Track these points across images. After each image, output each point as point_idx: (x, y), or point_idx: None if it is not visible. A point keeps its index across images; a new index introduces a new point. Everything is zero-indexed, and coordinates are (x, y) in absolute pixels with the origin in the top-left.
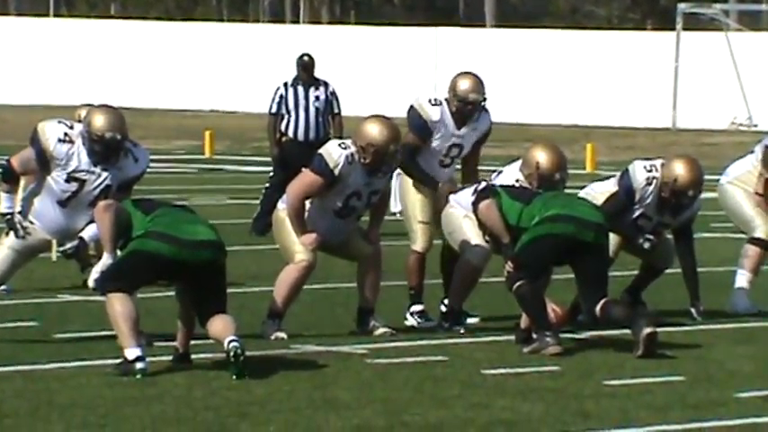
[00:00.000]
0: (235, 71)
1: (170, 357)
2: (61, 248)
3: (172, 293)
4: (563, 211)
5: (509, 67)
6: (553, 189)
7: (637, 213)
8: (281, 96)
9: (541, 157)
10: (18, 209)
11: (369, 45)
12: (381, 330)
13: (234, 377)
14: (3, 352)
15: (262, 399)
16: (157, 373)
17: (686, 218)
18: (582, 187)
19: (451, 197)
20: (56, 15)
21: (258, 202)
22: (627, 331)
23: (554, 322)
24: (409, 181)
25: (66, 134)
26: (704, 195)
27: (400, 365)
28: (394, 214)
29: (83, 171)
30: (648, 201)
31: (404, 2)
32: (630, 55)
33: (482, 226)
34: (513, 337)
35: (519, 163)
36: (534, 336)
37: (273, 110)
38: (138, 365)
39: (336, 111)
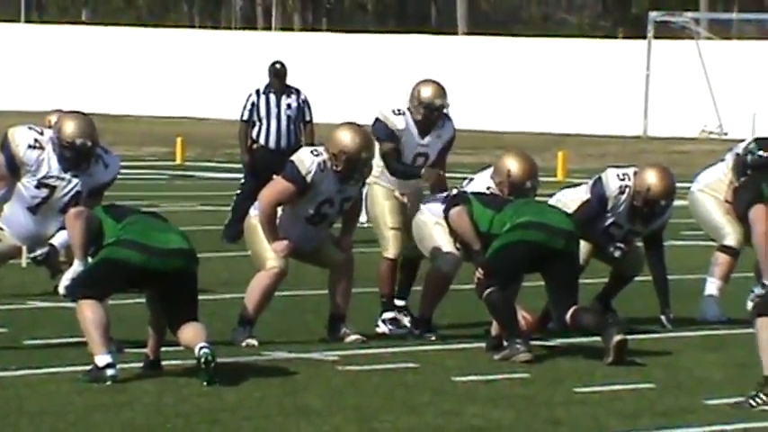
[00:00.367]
0: (207, 78)
1: (140, 364)
2: (31, 255)
3: (142, 300)
4: (534, 218)
5: (481, 74)
6: (524, 197)
7: (608, 221)
8: (252, 104)
9: (513, 165)
10: None
11: (341, 52)
12: (352, 337)
13: (204, 384)
14: None
15: (232, 405)
16: (128, 379)
17: (657, 226)
18: (553, 195)
19: (423, 205)
20: (27, 21)
21: (229, 209)
22: (597, 339)
23: (524, 329)
24: (378, 190)
25: (36, 140)
26: (675, 203)
27: (371, 372)
28: (362, 224)
29: (53, 177)
30: (620, 209)
31: (376, 9)
32: (602, 63)
33: (453, 233)
34: (483, 345)
35: (490, 170)
36: (505, 343)
37: (245, 117)
38: (109, 372)
39: (308, 118)
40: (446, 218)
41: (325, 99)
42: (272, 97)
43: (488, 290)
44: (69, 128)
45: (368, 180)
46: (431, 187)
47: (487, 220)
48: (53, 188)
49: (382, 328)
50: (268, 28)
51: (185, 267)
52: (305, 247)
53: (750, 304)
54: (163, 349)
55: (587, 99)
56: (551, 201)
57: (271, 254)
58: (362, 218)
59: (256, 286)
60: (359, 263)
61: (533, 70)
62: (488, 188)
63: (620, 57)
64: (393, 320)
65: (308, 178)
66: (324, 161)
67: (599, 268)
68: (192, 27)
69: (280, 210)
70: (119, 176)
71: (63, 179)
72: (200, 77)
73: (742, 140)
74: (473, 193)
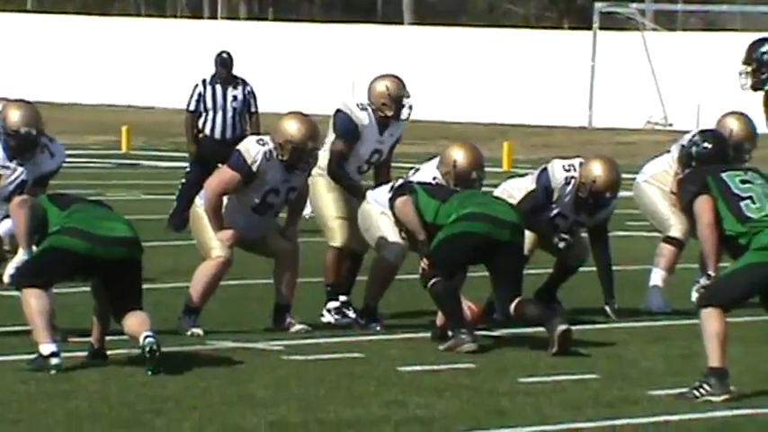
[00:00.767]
0: (152, 66)
1: (85, 353)
2: None
3: (87, 289)
4: (479, 209)
5: (427, 64)
6: (470, 187)
7: (553, 212)
8: (199, 94)
9: (459, 155)
10: None
11: (286, 42)
12: (297, 327)
13: (149, 373)
14: None
15: (177, 395)
16: (72, 368)
17: (602, 217)
18: (499, 185)
19: (368, 193)
20: None
21: (174, 197)
22: (542, 329)
23: (470, 320)
24: (320, 182)
25: None
26: (620, 194)
27: (316, 362)
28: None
29: None
30: (566, 200)
31: None
32: (547, 54)
33: (399, 223)
34: (428, 335)
35: (436, 161)
36: (450, 333)
37: (192, 107)
38: (53, 361)
39: (254, 110)
40: (391, 207)
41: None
42: (219, 88)
43: (433, 280)
44: (14, 116)
45: (312, 172)
46: (375, 178)
47: (433, 210)
48: None
49: (327, 318)
50: (214, 17)
51: (130, 256)
52: (250, 236)
53: (695, 295)
54: (107, 338)
55: (533, 89)
56: (497, 190)
57: (216, 243)
58: (307, 210)
59: (202, 275)
60: (304, 253)
61: (479, 61)
62: (434, 178)
63: (566, 47)
64: (338, 310)
65: (254, 167)
66: (270, 150)
67: (543, 259)
68: (138, 15)
69: (225, 199)
70: (64, 165)
71: (8, 168)
72: (145, 66)
73: (687, 132)
74: (419, 183)
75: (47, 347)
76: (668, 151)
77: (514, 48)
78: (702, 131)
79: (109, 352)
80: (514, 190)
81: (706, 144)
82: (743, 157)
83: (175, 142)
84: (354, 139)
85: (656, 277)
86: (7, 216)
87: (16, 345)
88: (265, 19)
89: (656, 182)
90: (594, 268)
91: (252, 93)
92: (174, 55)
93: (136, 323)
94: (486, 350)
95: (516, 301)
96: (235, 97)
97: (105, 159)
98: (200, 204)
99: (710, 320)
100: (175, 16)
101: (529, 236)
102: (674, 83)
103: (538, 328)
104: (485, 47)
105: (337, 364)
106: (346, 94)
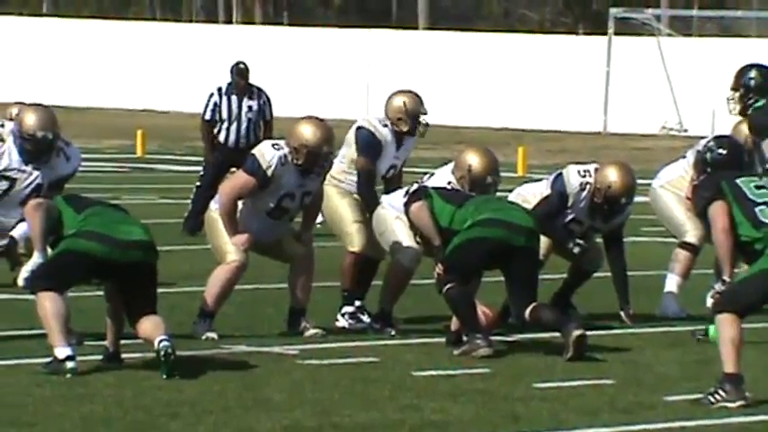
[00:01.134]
0: (167, 71)
1: (100, 356)
2: None
3: (102, 292)
4: (495, 215)
5: (441, 69)
6: (485, 192)
7: (568, 217)
8: (215, 104)
9: (474, 160)
10: None
11: (302, 46)
12: (312, 331)
13: (164, 377)
14: None
15: (192, 399)
16: (87, 372)
17: (617, 223)
18: (513, 190)
19: (383, 198)
20: None
21: (190, 201)
22: (557, 334)
23: (485, 324)
24: (332, 190)
25: None
26: (635, 200)
27: (331, 367)
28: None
29: (14, 170)
30: (581, 205)
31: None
32: (562, 59)
33: (414, 227)
34: (443, 340)
35: (451, 165)
36: (465, 338)
37: (207, 117)
38: (68, 364)
39: (268, 118)
40: (407, 212)
41: (287, 93)
42: (234, 99)
43: (448, 285)
44: (30, 120)
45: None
46: (386, 184)
47: (448, 215)
48: (14, 180)
49: (342, 323)
50: (229, 21)
51: (145, 259)
52: (265, 240)
53: (710, 301)
54: (122, 342)
55: (548, 95)
56: (511, 195)
57: (231, 247)
58: (320, 218)
59: (217, 279)
60: (319, 257)
61: (494, 66)
62: (449, 183)
63: (581, 53)
64: (353, 315)
65: (269, 172)
66: (285, 155)
67: (559, 264)
68: (153, 20)
69: (240, 203)
70: (80, 169)
71: (24, 172)
72: (161, 70)
73: (702, 137)
74: (434, 189)
75: (62, 351)
76: (684, 157)
77: (529, 53)
78: (717, 137)
79: (124, 356)
80: (529, 195)
81: (721, 150)
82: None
83: (191, 146)
84: (378, 154)
85: (672, 283)
86: (23, 219)
87: (32, 348)
88: (280, 23)
89: (671, 187)
90: (609, 274)
91: (267, 101)
92: (190, 59)
93: (151, 327)
94: (501, 355)
95: (531, 306)
96: (250, 108)
97: (121, 163)
98: (215, 209)
99: (726, 326)
100: (191, 20)
101: (544, 241)
102: (690, 88)
103: (553, 333)
104: (500, 52)
105: (352, 368)
106: (361, 99)
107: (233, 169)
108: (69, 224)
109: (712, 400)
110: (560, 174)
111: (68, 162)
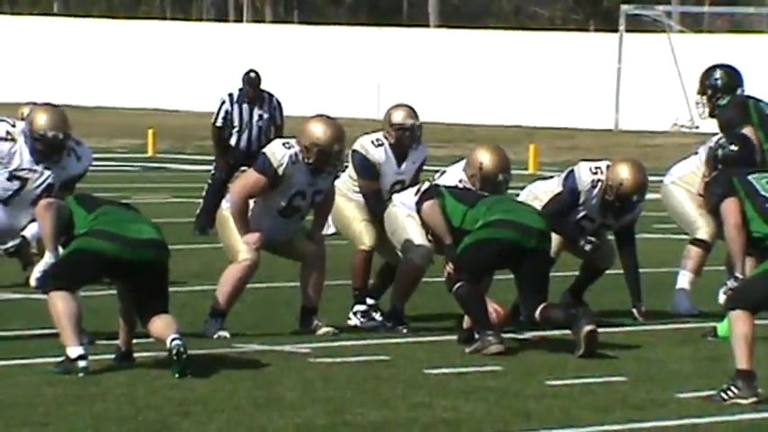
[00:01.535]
0: (178, 70)
1: (112, 356)
2: (3, 246)
3: (114, 291)
4: (506, 216)
5: (452, 67)
6: (496, 190)
7: (580, 215)
8: (226, 111)
9: (485, 158)
10: None
11: (312, 45)
12: (324, 330)
13: (176, 376)
14: None
15: (204, 397)
16: (99, 371)
17: (628, 220)
18: (524, 188)
19: (394, 196)
20: None
21: (201, 198)
22: (569, 332)
23: (496, 322)
24: (339, 198)
25: (8, 132)
26: (647, 196)
27: (343, 365)
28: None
29: (25, 169)
30: (592, 202)
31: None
32: (573, 56)
33: (425, 226)
34: (455, 337)
35: (462, 163)
36: (476, 335)
37: (218, 123)
38: (80, 364)
39: (279, 123)
40: (418, 211)
41: (297, 92)
42: (245, 108)
43: (458, 284)
44: (41, 120)
45: None
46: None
47: (460, 215)
48: (25, 180)
49: (354, 321)
50: (239, 20)
51: (157, 259)
52: (277, 239)
53: (722, 297)
54: (134, 341)
55: (559, 92)
56: (522, 193)
57: (243, 246)
58: (327, 229)
59: (228, 278)
60: (331, 255)
61: (505, 63)
62: (460, 181)
63: (592, 50)
64: (365, 313)
65: (280, 171)
66: (295, 153)
67: (570, 262)
68: (164, 19)
69: (252, 202)
70: (90, 168)
71: (35, 171)
72: (171, 69)
73: (714, 134)
74: (446, 188)
75: (74, 350)
76: (696, 153)
77: (540, 50)
78: (729, 134)
79: (136, 355)
80: (540, 192)
81: (732, 147)
82: None
83: (201, 145)
84: (375, 174)
85: (684, 280)
86: (34, 219)
87: (44, 348)
88: (291, 22)
89: (683, 184)
90: (621, 271)
91: (278, 107)
92: (200, 58)
93: (162, 326)
94: (512, 352)
95: (541, 306)
96: (260, 116)
97: (131, 162)
98: (226, 208)
99: (738, 322)
100: (201, 19)
101: (555, 238)
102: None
103: (564, 331)
104: (510, 49)
105: (364, 366)
106: (371, 98)
107: (243, 168)
108: (80, 224)
109: (725, 396)
110: (572, 171)
111: (79, 162)
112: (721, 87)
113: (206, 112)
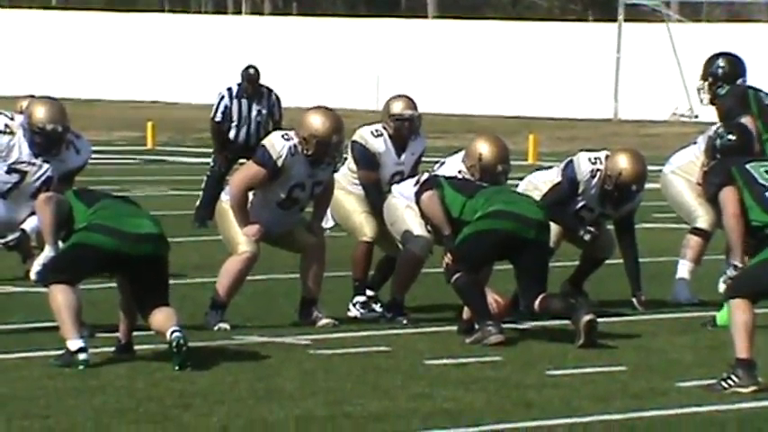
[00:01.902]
0: (177, 62)
1: (112, 348)
2: (3, 240)
3: (114, 285)
4: (505, 207)
5: (451, 58)
6: (495, 180)
7: (579, 204)
8: (225, 107)
9: (484, 148)
10: None
11: (311, 37)
12: (324, 321)
13: (176, 368)
14: None
15: (204, 389)
16: (100, 364)
17: (628, 209)
18: (524, 178)
19: (394, 187)
20: None
21: (200, 190)
22: (569, 322)
23: (496, 312)
24: (338, 191)
25: (6, 125)
26: (646, 186)
27: (343, 356)
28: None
29: (24, 163)
30: (591, 192)
31: None
32: (572, 46)
33: (424, 216)
34: (455, 328)
35: (461, 154)
36: (476, 326)
37: (217, 118)
38: (81, 356)
39: (277, 117)
40: (417, 202)
41: (296, 83)
42: (245, 103)
43: (456, 275)
44: (40, 113)
45: None
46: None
47: (459, 206)
48: (24, 173)
49: (354, 312)
50: (238, 12)
51: (156, 252)
52: (276, 231)
53: (722, 286)
54: (134, 333)
55: (558, 82)
56: (522, 183)
57: (242, 238)
58: (326, 223)
59: (228, 270)
60: (331, 247)
61: (503, 54)
62: (459, 171)
63: (591, 40)
64: (365, 304)
65: (279, 162)
66: (294, 145)
67: (570, 251)
68: (162, 11)
69: (251, 194)
70: (90, 161)
71: (34, 164)
72: (170, 62)
73: (713, 123)
74: (445, 178)
75: (74, 343)
76: (695, 142)
77: (539, 41)
78: (727, 123)
79: (136, 347)
80: (540, 182)
81: (730, 136)
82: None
83: (200, 138)
84: (375, 165)
85: (683, 269)
86: (34, 213)
87: (44, 341)
88: (289, 14)
89: (682, 173)
90: (621, 260)
91: (277, 101)
92: (199, 50)
93: (162, 319)
94: (512, 343)
95: (540, 297)
96: (259, 111)
97: (131, 155)
98: (225, 200)
99: (738, 311)
100: (199, 12)
101: (555, 228)
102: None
103: (565, 321)
104: (509, 40)
105: (364, 357)
106: (370, 89)
107: (242, 161)
108: (80, 218)
109: (725, 385)
110: (571, 161)
111: (78, 155)
112: (721, 76)
113: (205, 104)
